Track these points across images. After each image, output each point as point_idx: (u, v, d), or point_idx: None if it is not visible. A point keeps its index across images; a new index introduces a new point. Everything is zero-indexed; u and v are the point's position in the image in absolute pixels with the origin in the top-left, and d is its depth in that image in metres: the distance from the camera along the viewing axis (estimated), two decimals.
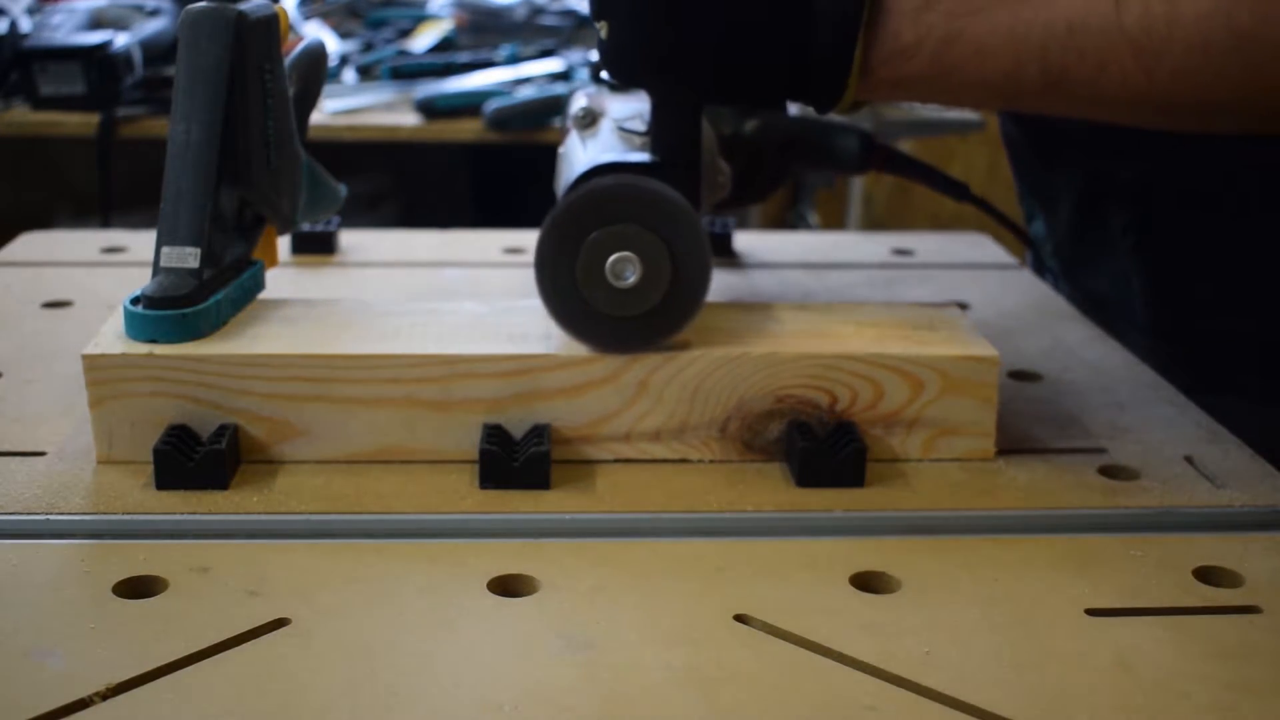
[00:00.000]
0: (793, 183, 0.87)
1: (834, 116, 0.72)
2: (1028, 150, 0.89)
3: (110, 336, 0.65)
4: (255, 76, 0.67)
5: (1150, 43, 0.61)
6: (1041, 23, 0.62)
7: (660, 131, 0.67)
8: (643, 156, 0.68)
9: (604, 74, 0.68)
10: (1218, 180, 0.78)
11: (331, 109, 1.94)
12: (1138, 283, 0.80)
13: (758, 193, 0.87)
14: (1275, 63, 0.61)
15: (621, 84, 0.67)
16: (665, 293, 0.64)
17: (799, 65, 0.64)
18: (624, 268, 0.63)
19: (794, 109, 0.84)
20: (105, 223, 1.98)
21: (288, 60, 0.73)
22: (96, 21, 2.08)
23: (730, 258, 0.99)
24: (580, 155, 0.72)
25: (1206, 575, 0.56)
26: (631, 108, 0.76)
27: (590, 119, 0.76)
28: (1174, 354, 0.81)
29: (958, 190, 0.89)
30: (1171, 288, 0.79)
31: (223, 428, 0.63)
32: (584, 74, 2.08)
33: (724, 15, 0.63)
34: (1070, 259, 0.87)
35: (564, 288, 0.64)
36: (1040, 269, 1.00)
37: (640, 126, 0.72)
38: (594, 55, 2.19)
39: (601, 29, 0.65)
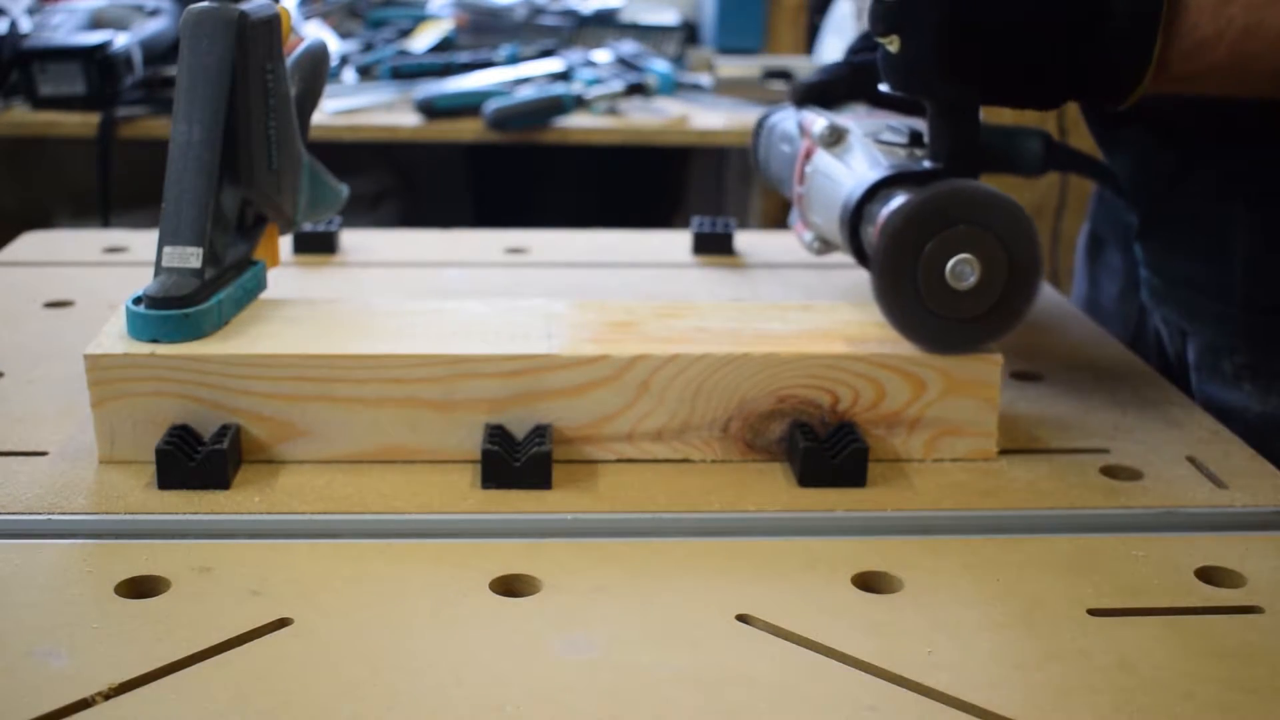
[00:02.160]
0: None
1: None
2: (1128, 120, 0.89)
3: (112, 336, 0.65)
4: (257, 76, 0.67)
5: None
6: None
7: (942, 138, 0.68)
8: (926, 165, 0.69)
9: (885, 87, 0.68)
10: None
11: (332, 109, 1.94)
12: (1240, 254, 0.80)
13: None
14: None
15: (910, 96, 0.68)
16: (1003, 288, 0.65)
17: (1094, 68, 0.65)
18: (964, 270, 0.64)
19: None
20: (105, 223, 1.98)
21: (289, 60, 0.73)
22: (96, 21, 2.08)
23: (731, 258, 0.99)
24: (844, 170, 0.73)
25: (1208, 575, 0.56)
26: (869, 124, 0.77)
27: (837, 136, 0.76)
28: (1274, 327, 0.81)
29: (1124, 194, 0.88)
30: (1275, 260, 0.80)
31: (224, 427, 0.63)
32: (585, 74, 2.08)
33: (1023, 21, 0.64)
34: (1158, 232, 0.87)
35: (907, 298, 0.65)
36: (1093, 251, 1.00)
37: (897, 137, 0.72)
38: (593, 56, 2.19)
39: (891, 43, 0.65)
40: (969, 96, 0.67)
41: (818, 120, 0.78)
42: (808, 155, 0.79)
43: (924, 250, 0.64)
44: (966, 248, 0.64)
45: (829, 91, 0.85)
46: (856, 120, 0.78)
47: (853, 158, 0.74)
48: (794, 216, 0.85)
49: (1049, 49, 0.65)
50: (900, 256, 0.65)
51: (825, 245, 0.82)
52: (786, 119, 0.86)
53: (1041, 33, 0.64)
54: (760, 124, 0.91)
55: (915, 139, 0.72)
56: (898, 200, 0.65)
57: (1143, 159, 0.88)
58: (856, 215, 0.70)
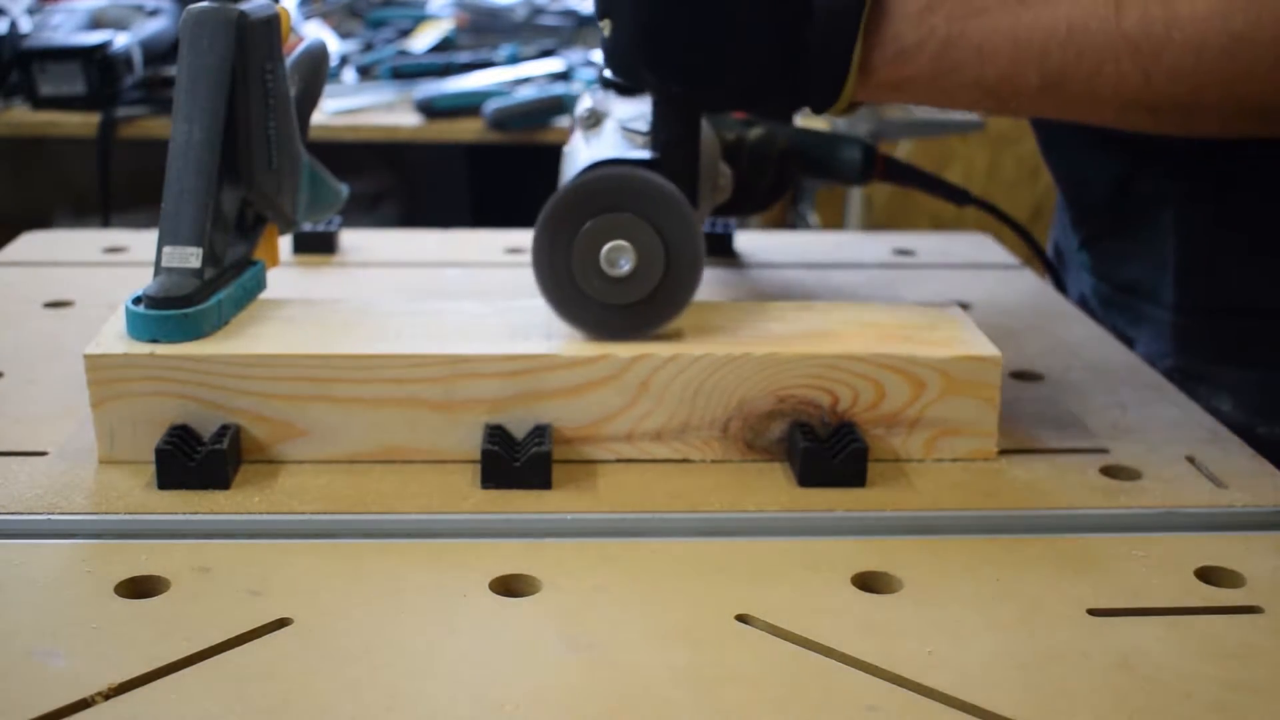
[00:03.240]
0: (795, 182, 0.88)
1: (836, 126, 0.73)
2: (1064, 130, 0.89)
3: (112, 336, 0.65)
4: (257, 76, 0.67)
5: (1148, 44, 0.62)
6: (1043, 26, 0.63)
7: (659, 129, 0.68)
8: (642, 153, 0.68)
9: (607, 73, 0.68)
10: (1253, 160, 0.79)
11: (332, 109, 1.94)
12: (1172, 257, 0.81)
13: (760, 201, 0.88)
14: (1265, 64, 0.62)
15: (622, 81, 0.68)
16: (659, 281, 0.65)
17: (797, 65, 0.65)
18: (618, 256, 0.64)
19: (797, 119, 0.85)
20: (105, 223, 1.98)
21: (289, 60, 0.73)
22: (96, 21, 2.08)
23: (731, 258, 0.99)
24: (584, 153, 0.73)
25: (1208, 575, 0.56)
26: (637, 109, 0.77)
27: (595, 119, 0.77)
28: (1202, 329, 0.82)
29: (959, 196, 0.89)
30: (1205, 262, 0.80)
31: (224, 427, 0.63)
32: (585, 74, 2.08)
33: (723, 14, 0.64)
34: (1101, 239, 0.88)
35: (560, 277, 0.65)
36: (1058, 261, 1.01)
37: (643, 126, 0.72)
38: (596, 55, 2.19)
39: (604, 27, 0.66)
40: (673, 87, 0.67)
41: (584, 102, 0.79)
42: (571, 134, 0.80)
43: (578, 234, 0.65)
44: (622, 234, 0.64)
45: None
46: (632, 105, 0.78)
47: (598, 141, 0.74)
48: None
49: (750, 47, 0.65)
50: (555, 239, 0.65)
51: None
52: (582, 100, 0.87)
53: (740, 30, 0.64)
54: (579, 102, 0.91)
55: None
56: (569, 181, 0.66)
57: (1085, 167, 0.88)
58: None
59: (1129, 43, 0.62)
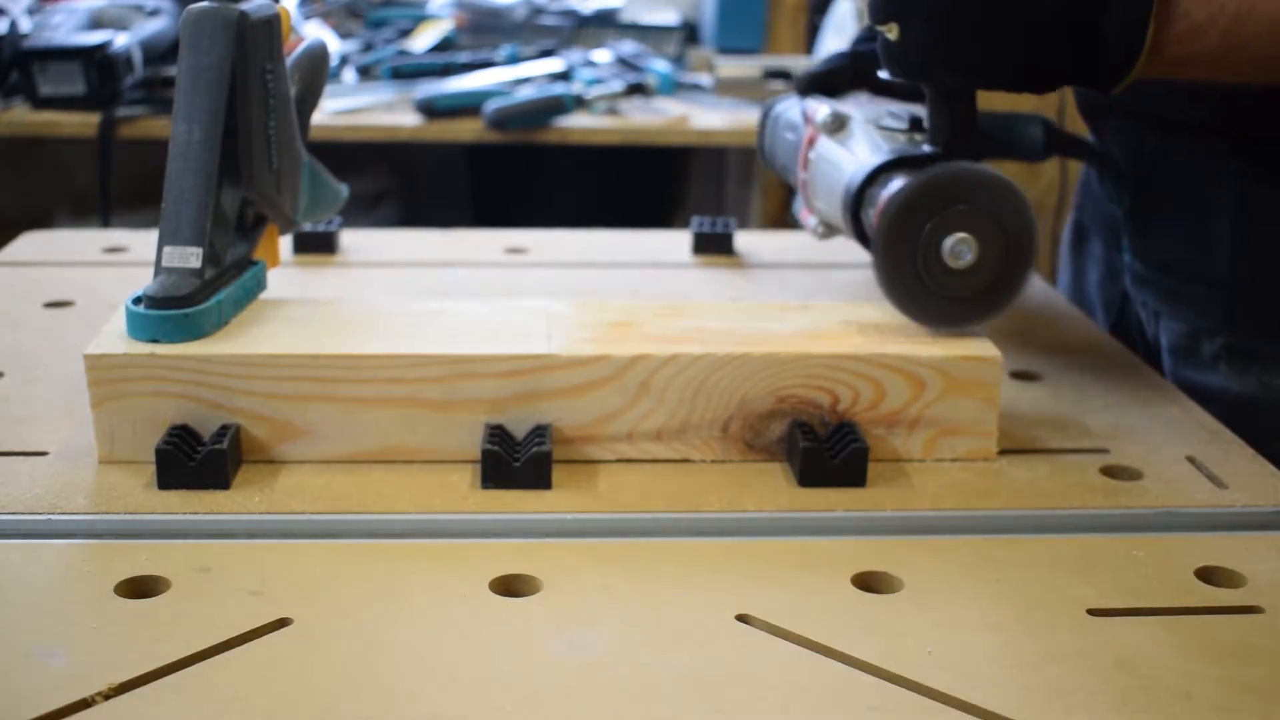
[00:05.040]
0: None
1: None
2: (1113, 103, 0.90)
3: (112, 336, 0.65)
4: (257, 77, 0.67)
5: None
6: None
7: (941, 123, 0.69)
8: (925, 149, 0.70)
9: (885, 73, 0.69)
10: None
11: (332, 109, 1.94)
12: (1227, 234, 0.81)
13: None
14: None
15: (909, 81, 0.69)
16: (999, 266, 0.67)
17: (1088, 51, 0.66)
18: (961, 249, 0.66)
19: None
20: (105, 223, 1.98)
21: (289, 60, 0.73)
22: (96, 21, 2.08)
23: (731, 257, 0.99)
24: (846, 156, 0.74)
25: (1208, 576, 0.56)
26: (871, 110, 0.78)
27: (840, 123, 0.78)
28: (1258, 306, 0.82)
29: (1119, 176, 0.89)
30: (1260, 238, 0.81)
31: (224, 427, 0.63)
32: (584, 74, 2.08)
33: (1018, 8, 0.65)
34: (1144, 215, 0.88)
35: (907, 278, 0.67)
36: (1077, 240, 1.01)
37: (897, 124, 0.74)
38: (593, 56, 2.19)
39: (889, 30, 0.67)
40: (966, 82, 0.68)
41: (821, 108, 0.80)
42: (811, 142, 0.81)
43: (923, 231, 0.66)
44: (963, 227, 0.66)
45: (832, 80, 0.86)
46: (859, 107, 0.79)
47: (854, 143, 0.75)
48: (798, 203, 0.86)
49: (1043, 34, 0.66)
50: (899, 237, 0.66)
51: (829, 230, 0.84)
52: (791, 108, 0.87)
53: (1036, 18, 0.65)
54: (765, 113, 0.92)
55: (915, 124, 0.74)
56: (897, 183, 0.67)
57: (1128, 143, 0.89)
58: (858, 199, 0.71)
59: None
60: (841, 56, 0.89)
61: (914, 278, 0.67)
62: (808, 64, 0.92)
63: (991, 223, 0.66)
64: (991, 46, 0.66)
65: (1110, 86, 0.67)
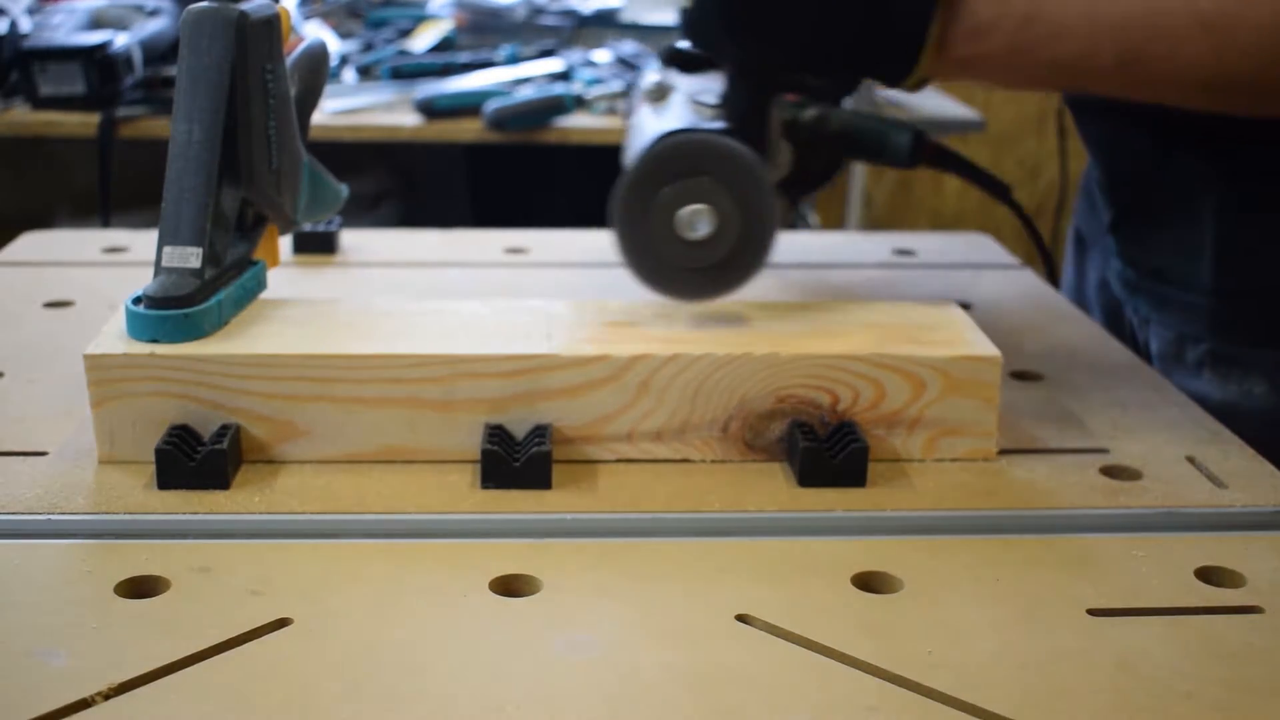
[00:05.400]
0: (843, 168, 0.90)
1: (887, 109, 0.75)
2: (1099, 108, 0.90)
3: (112, 336, 0.65)
4: (257, 76, 0.67)
5: (1223, 24, 0.63)
6: (1120, 5, 0.64)
7: (733, 100, 0.69)
8: (715, 124, 0.70)
9: (684, 43, 0.70)
10: None
11: (332, 109, 1.94)
12: (1210, 241, 0.82)
13: (813, 183, 0.89)
14: None
15: (702, 51, 0.70)
16: (734, 245, 0.67)
17: (874, 38, 0.66)
18: (697, 219, 0.66)
19: (848, 102, 0.86)
20: (105, 223, 1.98)
21: (289, 60, 0.73)
22: (96, 21, 2.08)
23: None
24: (652, 124, 0.74)
25: (1208, 575, 0.56)
26: (703, 84, 0.78)
27: (662, 93, 0.79)
28: (1240, 313, 0.82)
29: (1000, 190, 0.89)
30: (1243, 245, 0.81)
31: (224, 428, 0.63)
32: (584, 73, 2.08)
33: None
34: (1132, 222, 0.89)
35: (639, 241, 0.67)
36: (1079, 247, 1.01)
37: (711, 99, 0.74)
38: (593, 56, 2.19)
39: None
40: (751, 58, 0.68)
41: (650, 76, 0.80)
42: (637, 109, 0.81)
43: (658, 197, 0.66)
44: (702, 199, 0.66)
45: (696, 56, 0.87)
46: (700, 83, 0.79)
47: (667, 113, 0.76)
48: None
49: (830, 19, 0.66)
50: (635, 202, 0.67)
51: None
52: (647, 75, 0.88)
53: (828, 3, 0.66)
54: (634, 83, 0.92)
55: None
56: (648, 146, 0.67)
57: (1117, 150, 0.89)
58: None
59: (1204, 22, 0.63)
60: None
61: (647, 244, 0.67)
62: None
63: (730, 197, 0.66)
64: (776, 23, 0.66)
65: (896, 81, 0.67)
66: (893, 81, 0.68)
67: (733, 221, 0.66)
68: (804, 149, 0.84)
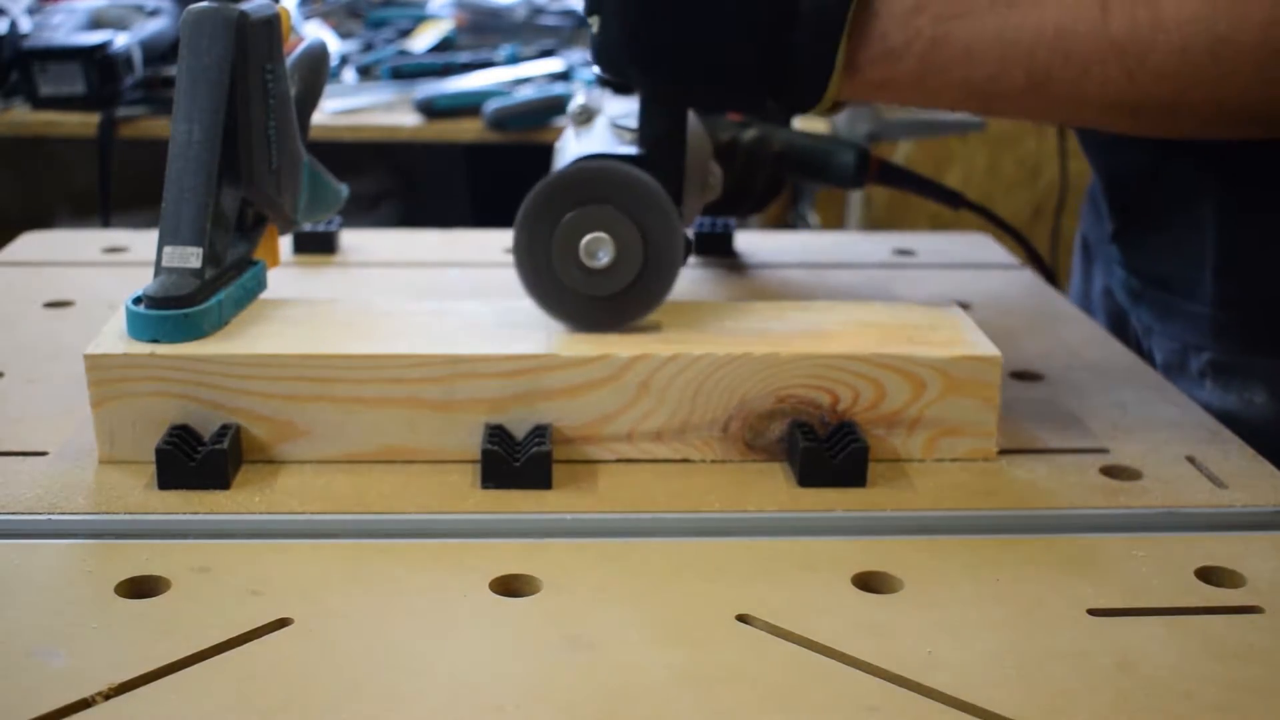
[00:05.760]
0: (792, 184, 0.89)
1: (837, 125, 0.74)
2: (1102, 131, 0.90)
3: (112, 336, 0.65)
4: (257, 76, 0.67)
5: (1134, 47, 0.63)
6: (1030, 27, 0.64)
7: (645, 125, 0.69)
8: (629, 149, 0.69)
9: (595, 69, 0.69)
10: None
11: (332, 109, 1.94)
12: (1210, 251, 0.82)
13: (754, 203, 0.89)
14: (1248, 67, 0.63)
15: (609, 77, 0.69)
16: (637, 274, 0.66)
17: (782, 64, 0.65)
18: (597, 248, 0.65)
19: (796, 121, 0.85)
20: (105, 223, 1.98)
21: (289, 60, 0.73)
22: (96, 21, 2.08)
23: (731, 257, 0.99)
24: (573, 147, 0.74)
25: (1208, 575, 0.56)
26: (629, 106, 0.77)
27: (587, 116, 0.78)
28: (1240, 322, 0.82)
29: (953, 199, 0.90)
30: (1244, 255, 0.81)
31: (224, 427, 0.63)
32: (584, 74, 2.08)
33: (708, 12, 0.65)
34: (1133, 232, 0.89)
35: (540, 266, 0.66)
36: (1085, 254, 1.01)
37: (633, 123, 0.73)
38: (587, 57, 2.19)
39: (593, 23, 0.67)
40: (659, 85, 0.68)
41: (576, 98, 0.80)
42: (564, 131, 0.81)
43: (559, 224, 0.66)
44: (603, 227, 0.65)
45: None
46: (624, 103, 0.79)
47: (588, 136, 0.75)
48: None
49: (735, 43, 0.65)
50: (535, 229, 0.66)
51: None
52: (575, 97, 0.87)
53: (727, 25, 0.65)
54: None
55: None
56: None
57: (1118, 157, 0.89)
58: None
59: (1115, 45, 0.63)
60: None
61: (548, 271, 0.66)
62: None
63: (633, 226, 0.65)
64: (674, 48, 0.66)
65: (808, 106, 0.67)
66: (804, 107, 0.67)
67: (634, 250, 0.65)
68: (743, 169, 0.83)
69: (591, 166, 0.66)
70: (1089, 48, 0.63)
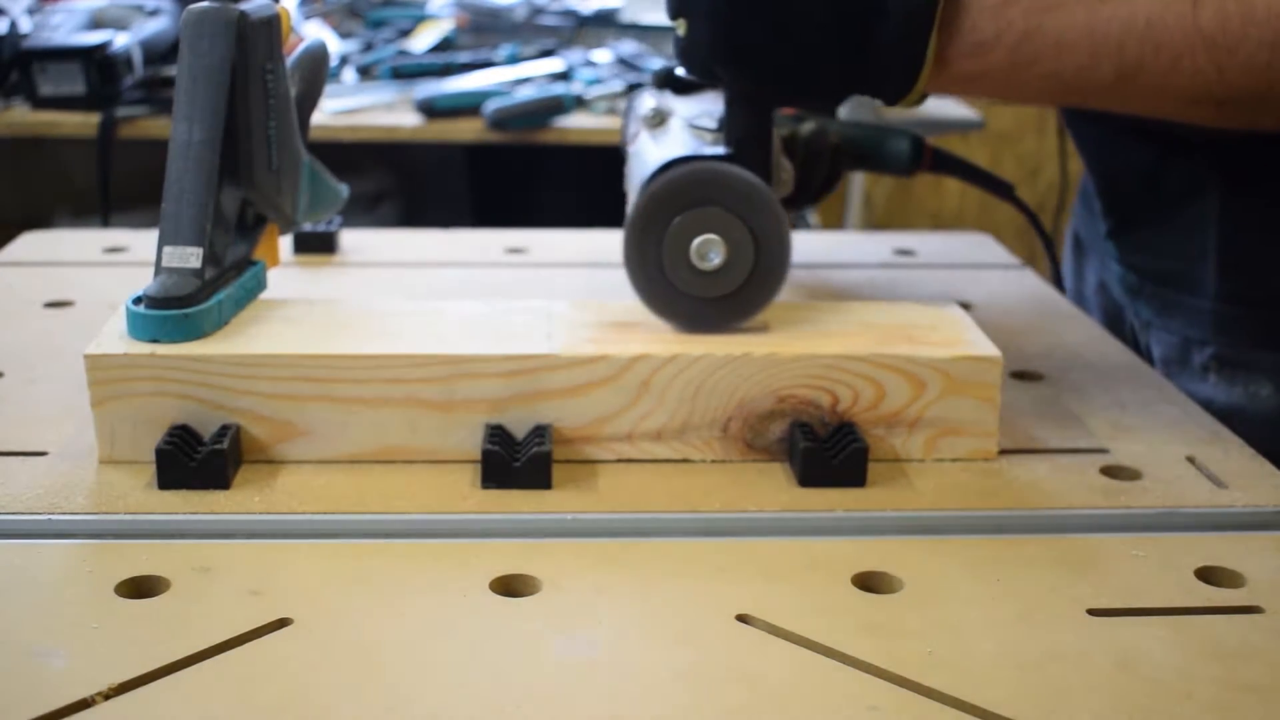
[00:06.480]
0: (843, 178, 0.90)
1: (888, 117, 0.74)
2: (1094, 119, 0.90)
3: (112, 336, 0.65)
4: (257, 77, 0.67)
5: (1224, 39, 0.63)
6: (1120, 19, 0.64)
7: (733, 125, 0.69)
8: (717, 149, 0.69)
9: (680, 70, 0.70)
10: None
11: (332, 109, 1.94)
12: (1214, 247, 0.82)
13: (813, 196, 0.88)
14: None
15: (697, 78, 0.70)
16: (748, 274, 0.67)
17: (870, 59, 0.66)
18: (709, 249, 0.66)
19: (844, 111, 0.86)
20: (105, 223, 1.98)
21: (289, 60, 0.73)
22: (96, 21, 2.08)
23: None
24: (654, 151, 0.74)
25: (1208, 575, 0.56)
26: (700, 107, 0.78)
27: (660, 118, 0.78)
28: (1245, 317, 0.82)
29: (1003, 189, 0.90)
30: (1249, 250, 0.81)
31: (224, 427, 0.63)
32: (584, 74, 2.08)
33: (796, 10, 0.65)
34: (1132, 229, 0.89)
35: (651, 271, 0.67)
36: (1077, 250, 1.01)
37: (710, 124, 0.74)
38: (593, 56, 2.19)
39: (679, 26, 0.67)
40: (747, 83, 0.68)
41: (647, 102, 0.80)
42: (636, 135, 0.81)
43: (669, 227, 0.66)
44: (713, 228, 0.66)
45: (686, 78, 0.86)
46: (696, 105, 0.79)
47: (667, 140, 0.75)
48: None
49: (825, 41, 0.66)
50: (645, 232, 0.67)
51: None
52: (644, 100, 0.87)
53: (817, 24, 0.65)
54: (628, 104, 0.92)
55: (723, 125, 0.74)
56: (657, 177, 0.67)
57: (1116, 156, 0.89)
58: None
59: (1205, 37, 0.64)
60: None
61: (659, 274, 0.67)
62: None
63: (742, 227, 0.66)
64: (765, 49, 0.66)
65: (895, 100, 0.67)
66: (892, 100, 0.68)
67: (745, 249, 0.66)
68: (803, 163, 0.84)
69: (700, 169, 0.66)
70: (1179, 40, 0.64)
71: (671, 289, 0.67)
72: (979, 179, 0.90)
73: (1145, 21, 0.64)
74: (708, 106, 0.77)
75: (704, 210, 0.66)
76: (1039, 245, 0.93)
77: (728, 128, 0.69)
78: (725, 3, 0.65)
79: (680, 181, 0.66)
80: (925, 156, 0.87)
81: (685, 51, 0.68)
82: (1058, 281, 0.99)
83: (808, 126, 0.85)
